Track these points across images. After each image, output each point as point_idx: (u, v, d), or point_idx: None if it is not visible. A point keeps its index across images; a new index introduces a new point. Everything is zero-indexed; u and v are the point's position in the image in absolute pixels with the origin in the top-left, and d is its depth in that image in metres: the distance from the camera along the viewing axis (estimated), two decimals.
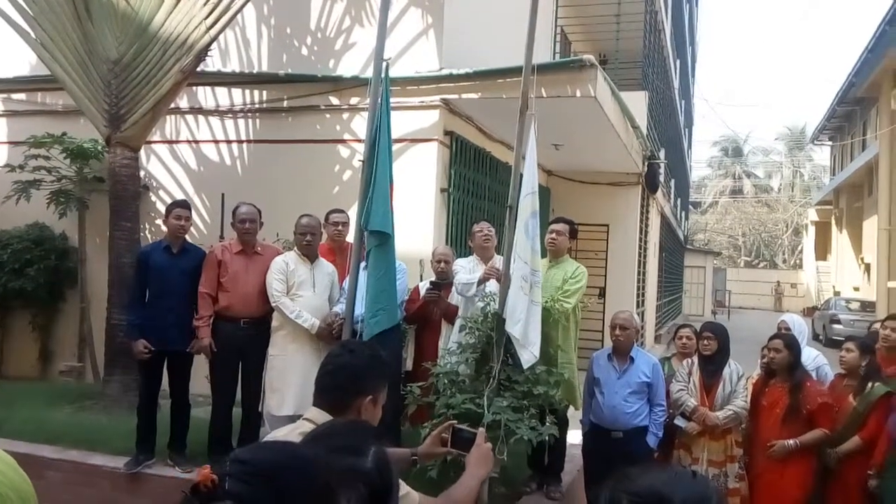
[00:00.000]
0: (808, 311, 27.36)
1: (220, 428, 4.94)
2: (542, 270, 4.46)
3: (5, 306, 7.91)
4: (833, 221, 31.43)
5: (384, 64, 4.51)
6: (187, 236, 5.45)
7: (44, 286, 7.63)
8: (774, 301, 37.67)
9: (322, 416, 1.90)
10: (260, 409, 5.03)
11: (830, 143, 32.15)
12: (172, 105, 6.64)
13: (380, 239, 4.44)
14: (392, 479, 1.12)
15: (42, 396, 6.30)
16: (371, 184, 4.41)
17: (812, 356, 4.97)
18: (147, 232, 7.39)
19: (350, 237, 5.14)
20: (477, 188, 7.55)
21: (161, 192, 7.58)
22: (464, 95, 6.62)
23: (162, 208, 6.60)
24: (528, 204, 4.28)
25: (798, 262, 44.80)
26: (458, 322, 4.74)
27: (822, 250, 34.06)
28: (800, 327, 5.07)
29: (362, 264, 4.57)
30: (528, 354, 4.25)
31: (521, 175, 4.38)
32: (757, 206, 47.95)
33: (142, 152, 6.63)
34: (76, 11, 5.97)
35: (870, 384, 4.33)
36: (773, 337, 4.55)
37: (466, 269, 4.89)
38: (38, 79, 7.74)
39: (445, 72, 6.56)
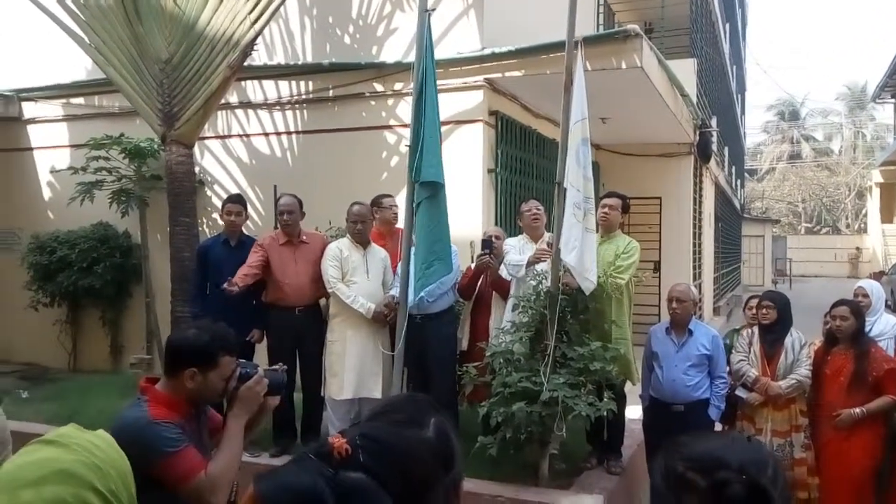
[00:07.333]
0: (876, 276, 26.34)
1: (283, 413, 5.06)
2: (595, 246, 4.44)
3: (77, 304, 8.25)
4: None
5: (426, 15, 4.54)
6: (244, 228, 5.59)
7: (111, 283, 7.92)
8: (851, 268, 36.18)
9: None
10: (322, 393, 5.16)
11: (893, 100, 30.72)
12: (222, 100, 6.78)
13: (430, 190, 4.49)
14: (454, 447, 1.16)
15: (115, 388, 6.57)
16: (419, 137, 4.46)
17: (891, 323, 4.81)
18: (205, 226, 7.60)
19: (399, 223, 5.19)
20: (524, 167, 7.51)
21: (216, 187, 7.77)
22: (507, 74, 6.57)
23: (218, 202, 6.79)
24: (577, 131, 4.27)
25: (863, 226, 43.11)
26: (510, 301, 4.76)
27: (888, 212, 32.68)
28: (878, 293, 4.90)
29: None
30: (587, 282, 4.26)
31: (567, 149, 4.35)
32: (817, 171, 46.25)
33: (196, 148, 6.80)
34: (126, 14, 6.14)
35: None
36: (837, 304, 4.42)
37: (516, 249, 4.89)
38: (94, 82, 8.01)
39: (488, 51, 6.52)
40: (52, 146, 8.66)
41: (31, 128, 8.84)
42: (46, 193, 8.75)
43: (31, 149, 8.83)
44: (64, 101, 8.57)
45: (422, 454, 1.05)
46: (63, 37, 6.44)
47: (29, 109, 8.81)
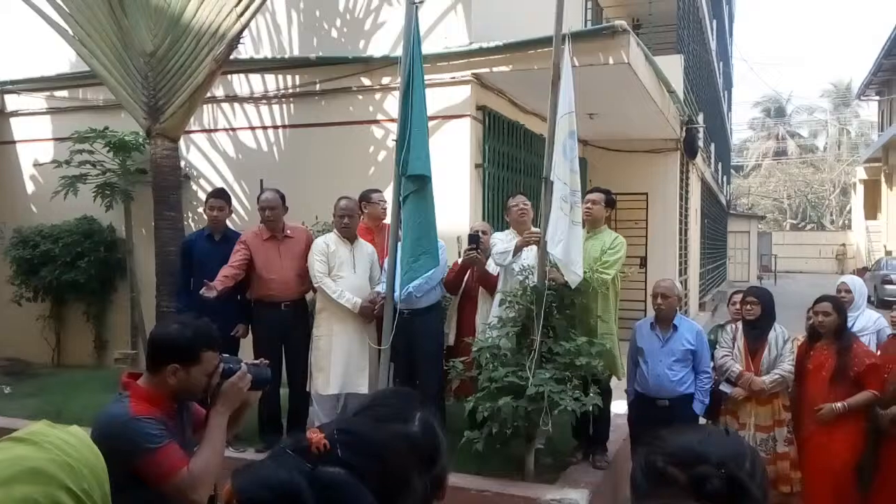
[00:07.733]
0: (859, 272, 26.58)
1: (269, 408, 5.05)
2: (581, 239, 4.45)
3: (60, 298, 8.17)
4: (882, 179, 30.38)
5: (414, 9, 4.53)
6: (229, 223, 5.56)
7: (95, 277, 7.84)
8: (837, 264, 36.51)
9: None
10: (307, 388, 5.14)
11: (878, 97, 31.04)
12: (208, 94, 6.73)
13: (417, 184, 4.48)
14: (440, 442, 1.15)
15: (99, 383, 6.52)
16: (407, 131, 4.45)
17: (873, 318, 4.89)
18: (190, 220, 7.54)
19: (387, 218, 5.18)
20: (511, 162, 7.52)
21: (202, 181, 7.72)
22: (495, 69, 6.57)
23: (203, 197, 6.73)
24: (564, 124, 4.29)
25: (847, 222, 43.51)
26: (497, 296, 4.77)
27: (872, 209, 32.99)
28: (860, 289, 4.98)
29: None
30: (573, 275, 4.28)
31: (554, 144, 4.36)
32: (802, 167, 46.60)
33: (181, 142, 6.75)
34: (111, 6, 6.07)
35: None
36: (819, 300, 4.47)
37: (503, 243, 4.90)
38: (78, 75, 7.91)
39: (475, 46, 6.51)
40: (35, 139, 8.56)
41: (13, 121, 8.73)
42: (30, 187, 8.66)
43: (14, 142, 8.73)
44: (47, 93, 8.47)
45: (401, 448, 1.05)
46: (46, 28, 6.36)
47: (12, 102, 8.70)
